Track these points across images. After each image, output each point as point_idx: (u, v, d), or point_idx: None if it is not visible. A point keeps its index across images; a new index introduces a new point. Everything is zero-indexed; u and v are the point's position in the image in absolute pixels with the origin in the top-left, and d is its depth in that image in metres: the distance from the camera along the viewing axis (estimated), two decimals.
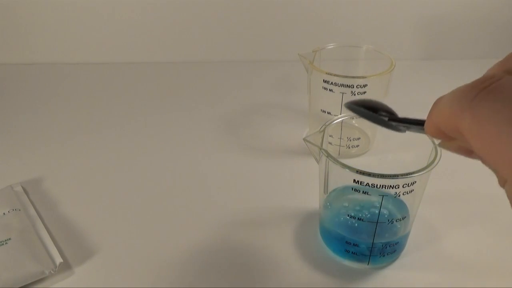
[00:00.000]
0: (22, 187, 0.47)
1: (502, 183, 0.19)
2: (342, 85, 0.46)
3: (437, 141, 0.35)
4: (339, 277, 0.37)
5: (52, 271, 0.37)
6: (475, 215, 0.44)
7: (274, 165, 0.51)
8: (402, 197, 0.34)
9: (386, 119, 0.24)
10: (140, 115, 0.61)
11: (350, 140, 0.51)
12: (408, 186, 0.33)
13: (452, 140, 0.20)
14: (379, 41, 0.74)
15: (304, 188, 0.46)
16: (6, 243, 0.39)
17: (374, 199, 0.36)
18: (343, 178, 0.34)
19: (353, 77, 0.46)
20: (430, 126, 0.20)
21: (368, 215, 0.36)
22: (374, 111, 0.25)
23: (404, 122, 0.24)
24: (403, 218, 0.37)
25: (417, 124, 0.23)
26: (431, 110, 0.20)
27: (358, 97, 0.47)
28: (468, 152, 0.21)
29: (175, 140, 0.56)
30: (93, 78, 0.71)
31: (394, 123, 0.24)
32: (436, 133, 0.20)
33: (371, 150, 0.52)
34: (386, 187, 0.33)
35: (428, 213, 0.42)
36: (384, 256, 0.38)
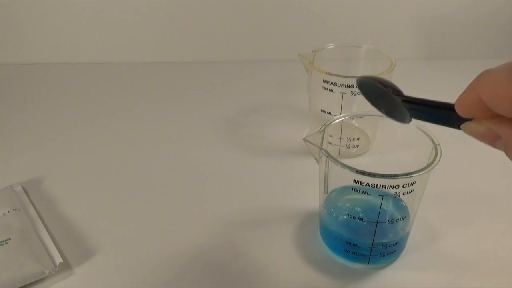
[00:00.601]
0: (22, 187, 0.47)
1: None
2: (342, 85, 0.46)
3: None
4: (339, 277, 0.37)
5: (52, 271, 0.37)
6: (475, 215, 0.44)
7: (274, 165, 0.51)
8: (402, 197, 0.34)
9: (400, 100, 0.22)
10: (140, 115, 0.61)
11: (350, 140, 0.51)
12: (408, 186, 0.33)
13: (485, 119, 0.20)
14: (379, 41, 0.74)
15: (304, 188, 0.46)
16: (6, 243, 0.39)
17: (374, 199, 0.36)
18: (343, 178, 0.34)
19: (353, 77, 0.46)
20: (469, 98, 0.19)
21: (368, 215, 0.36)
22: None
23: (421, 104, 0.21)
24: (403, 218, 0.37)
25: (438, 108, 0.21)
26: (474, 81, 0.19)
27: (358, 97, 0.47)
28: (494, 138, 0.20)
29: (175, 140, 0.56)
30: (93, 78, 0.71)
31: (406, 106, 0.22)
32: (473, 106, 0.19)
33: (371, 150, 0.52)
34: (386, 187, 0.33)
35: (428, 213, 0.42)
36: (384, 256, 0.38)
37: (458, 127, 0.21)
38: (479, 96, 0.19)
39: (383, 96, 0.23)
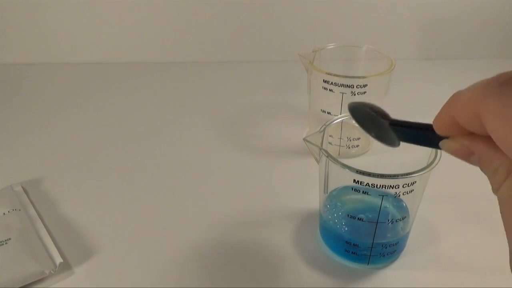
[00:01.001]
0: (22, 187, 0.47)
1: (497, 187, 0.20)
2: (342, 85, 0.46)
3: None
4: (339, 277, 0.37)
5: (52, 271, 0.37)
6: (475, 215, 0.44)
7: (274, 165, 0.51)
8: (402, 197, 0.34)
9: (387, 123, 0.23)
10: (140, 115, 0.61)
11: (350, 140, 0.51)
12: (408, 186, 0.33)
13: (460, 136, 0.21)
14: (379, 41, 0.74)
15: (304, 188, 0.46)
16: (6, 243, 0.39)
17: (374, 199, 0.36)
18: (343, 178, 0.34)
19: (353, 77, 0.46)
20: (443, 117, 0.21)
21: (368, 215, 0.36)
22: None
23: (406, 126, 0.23)
24: (403, 218, 0.37)
25: (420, 129, 0.22)
26: (447, 102, 0.20)
27: (358, 97, 0.47)
28: (468, 154, 0.21)
29: (175, 140, 0.56)
30: (93, 78, 0.71)
31: (393, 128, 0.23)
32: (448, 125, 0.20)
33: (371, 150, 0.52)
34: (386, 187, 0.33)
35: (428, 213, 0.42)
36: (384, 256, 0.38)
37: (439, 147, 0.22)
38: (452, 116, 0.20)
39: (372, 121, 0.24)
